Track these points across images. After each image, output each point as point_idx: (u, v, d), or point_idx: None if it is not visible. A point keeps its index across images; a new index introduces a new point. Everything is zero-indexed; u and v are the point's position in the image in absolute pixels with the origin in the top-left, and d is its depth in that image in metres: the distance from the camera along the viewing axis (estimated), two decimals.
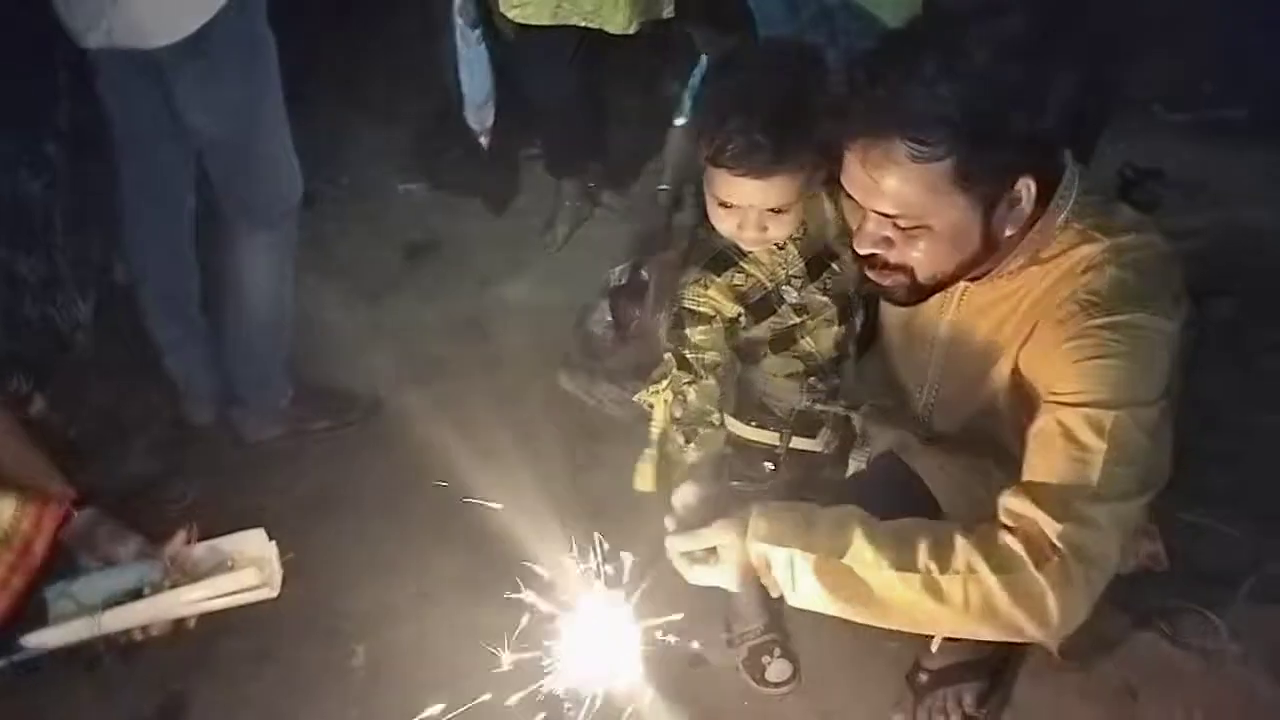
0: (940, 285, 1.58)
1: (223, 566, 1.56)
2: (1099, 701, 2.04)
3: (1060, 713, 2.02)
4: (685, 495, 1.51)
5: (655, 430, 1.81)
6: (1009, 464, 1.70)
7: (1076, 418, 1.42)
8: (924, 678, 2.04)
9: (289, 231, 2.62)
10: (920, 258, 1.51)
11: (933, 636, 1.96)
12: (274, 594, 1.59)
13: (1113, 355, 1.43)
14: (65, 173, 2.87)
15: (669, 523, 1.48)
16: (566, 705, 1.54)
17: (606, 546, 1.54)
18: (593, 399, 2.92)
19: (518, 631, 1.55)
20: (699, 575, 1.47)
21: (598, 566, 1.54)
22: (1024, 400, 1.58)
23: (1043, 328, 1.52)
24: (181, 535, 1.58)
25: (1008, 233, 1.50)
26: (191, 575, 1.53)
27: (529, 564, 1.59)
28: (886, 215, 1.47)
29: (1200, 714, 1.98)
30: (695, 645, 1.72)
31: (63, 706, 2.11)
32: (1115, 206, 1.59)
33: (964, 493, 1.74)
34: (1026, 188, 1.46)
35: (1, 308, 2.87)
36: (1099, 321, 1.45)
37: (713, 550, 1.45)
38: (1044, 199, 1.50)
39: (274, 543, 1.61)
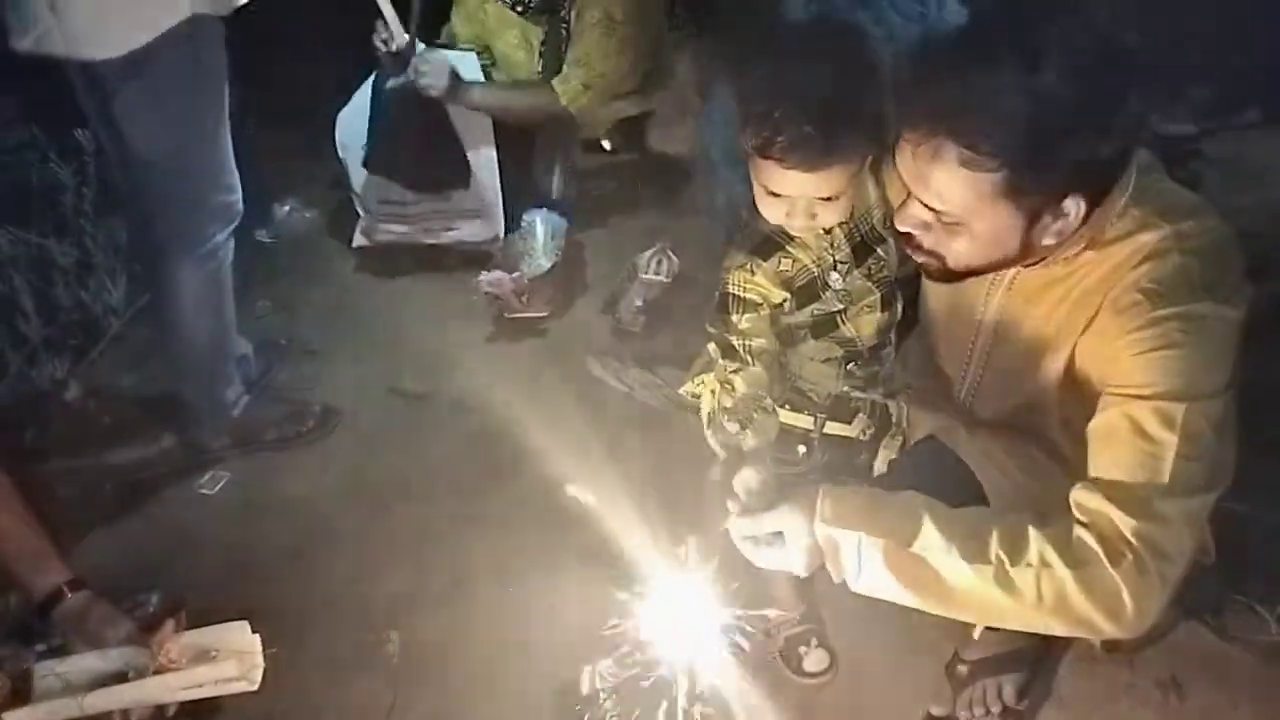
0: (975, 273, 1.55)
1: (206, 656, 1.61)
2: (1143, 694, 2.00)
3: (1104, 706, 1.98)
4: (747, 479, 1.48)
5: (705, 419, 1.78)
6: (1053, 451, 1.67)
7: (1145, 411, 1.38)
8: (963, 669, 2.00)
9: (224, 254, 2.54)
10: (955, 250, 1.49)
11: (972, 627, 1.94)
12: (253, 687, 1.65)
13: (1179, 346, 1.39)
14: (94, 159, 2.88)
15: (732, 506, 1.46)
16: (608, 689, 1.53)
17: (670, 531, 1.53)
18: (624, 385, 2.90)
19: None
20: (765, 558, 1.45)
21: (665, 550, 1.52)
22: (1075, 391, 1.54)
23: (1104, 317, 1.48)
24: (170, 624, 1.63)
25: (1047, 242, 1.46)
26: (176, 663, 1.58)
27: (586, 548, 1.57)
28: (929, 206, 1.45)
29: (1248, 707, 1.94)
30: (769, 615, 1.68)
31: None
32: (1173, 188, 1.53)
33: (1008, 477, 1.71)
34: (1076, 206, 1.41)
35: (36, 293, 2.89)
36: (1164, 311, 1.41)
37: (778, 534, 1.43)
38: (1097, 202, 1.44)
39: (257, 635, 1.68)
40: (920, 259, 1.56)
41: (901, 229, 1.53)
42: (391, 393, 2.94)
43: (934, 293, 1.80)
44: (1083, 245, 1.50)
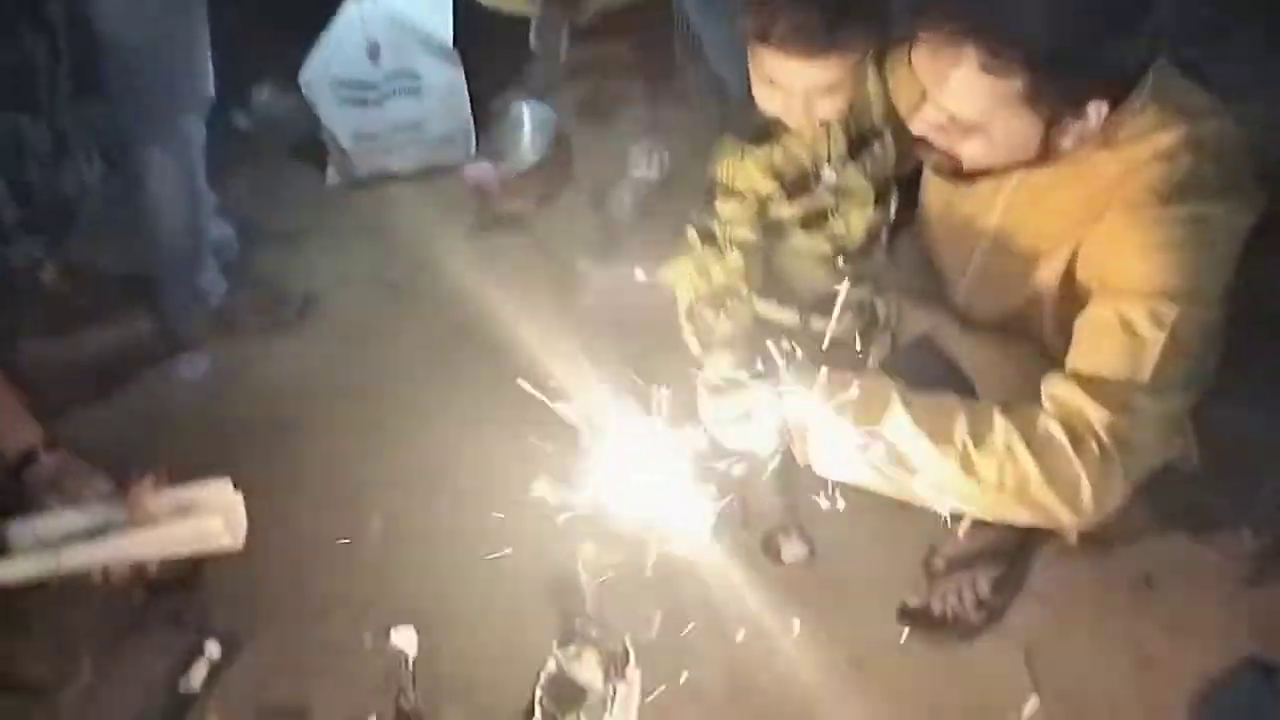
0: (989, 173, 1.51)
1: (187, 514, 1.55)
2: (1114, 590, 2.03)
3: (1075, 600, 2.02)
4: (719, 363, 1.47)
5: (682, 307, 1.76)
6: (1046, 354, 1.66)
7: (1138, 308, 1.37)
8: (939, 563, 2.03)
9: (196, 141, 2.49)
10: (971, 153, 1.45)
11: (952, 523, 1.96)
12: (237, 546, 1.59)
13: (1182, 247, 1.37)
14: (67, 35, 2.78)
15: (702, 388, 1.45)
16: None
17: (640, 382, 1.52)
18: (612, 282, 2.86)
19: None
20: (734, 438, 1.44)
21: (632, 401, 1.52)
22: (1074, 292, 1.52)
23: (1112, 215, 1.45)
24: (148, 480, 1.56)
25: (1066, 145, 1.42)
26: (154, 520, 1.52)
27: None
28: (945, 110, 1.41)
29: (1218, 607, 1.97)
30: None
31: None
32: (1189, 86, 1.48)
33: (1001, 379, 1.70)
34: (1097, 111, 1.37)
35: (8, 173, 2.82)
36: (1173, 211, 1.38)
37: (748, 414, 1.42)
38: (1118, 104, 1.40)
39: (240, 493, 1.61)
40: (933, 159, 1.52)
41: (915, 133, 1.49)
42: (373, 282, 2.91)
43: (935, 192, 1.76)
44: (1098, 144, 1.46)
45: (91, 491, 1.57)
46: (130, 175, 2.50)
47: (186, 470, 2.28)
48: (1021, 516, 1.40)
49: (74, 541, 1.49)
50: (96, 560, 1.51)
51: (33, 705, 1.89)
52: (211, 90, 2.44)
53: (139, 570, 1.55)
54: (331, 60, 3.09)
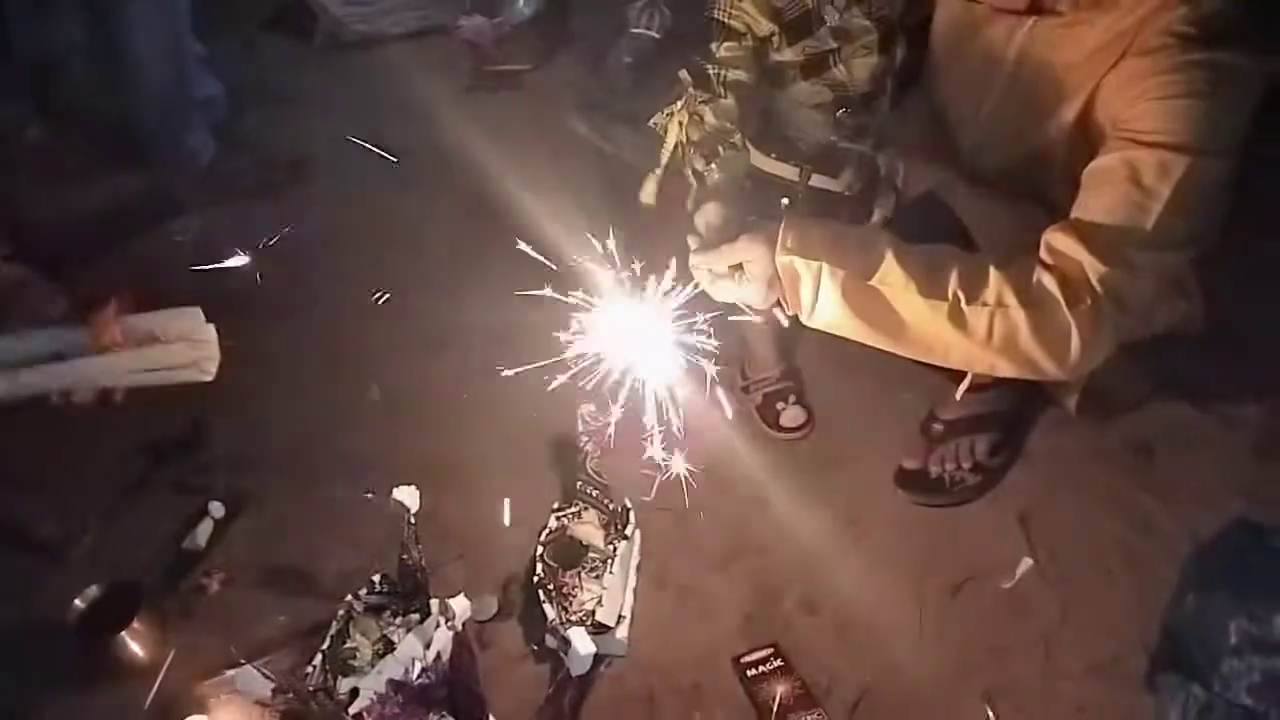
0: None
1: (155, 341, 1.48)
2: (1113, 457, 2.05)
3: (1073, 467, 2.03)
4: (709, 214, 1.43)
5: (665, 152, 1.71)
6: (1053, 209, 1.62)
7: (1146, 159, 1.32)
8: (938, 427, 2.04)
9: None
10: None
11: (950, 387, 1.96)
12: (208, 378, 1.52)
13: (1198, 96, 1.32)
14: None
15: (692, 241, 1.42)
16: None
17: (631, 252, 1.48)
18: (608, 144, 2.79)
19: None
20: (723, 291, 1.41)
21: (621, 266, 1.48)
22: (1085, 140, 1.48)
23: (1130, 60, 1.39)
24: (112, 304, 1.49)
25: None
26: (118, 345, 1.46)
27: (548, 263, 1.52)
28: None
29: (1215, 475, 1.99)
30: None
31: (84, 431, 2.12)
32: None
33: (1004, 235, 1.66)
34: None
35: None
36: (1194, 57, 1.33)
37: (738, 268, 1.39)
38: None
39: (212, 325, 1.53)
40: None
41: None
42: (367, 142, 2.83)
43: (947, 37, 1.69)
44: None
45: (53, 310, 1.50)
46: (115, 25, 2.42)
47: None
48: (1004, 369, 1.39)
49: (34, 362, 1.43)
50: (58, 383, 1.45)
51: (42, 562, 1.91)
52: None
53: (104, 396, 1.49)
54: None
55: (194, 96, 2.58)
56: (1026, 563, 1.87)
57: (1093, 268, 1.31)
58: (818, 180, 1.87)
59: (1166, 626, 1.71)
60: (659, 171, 1.71)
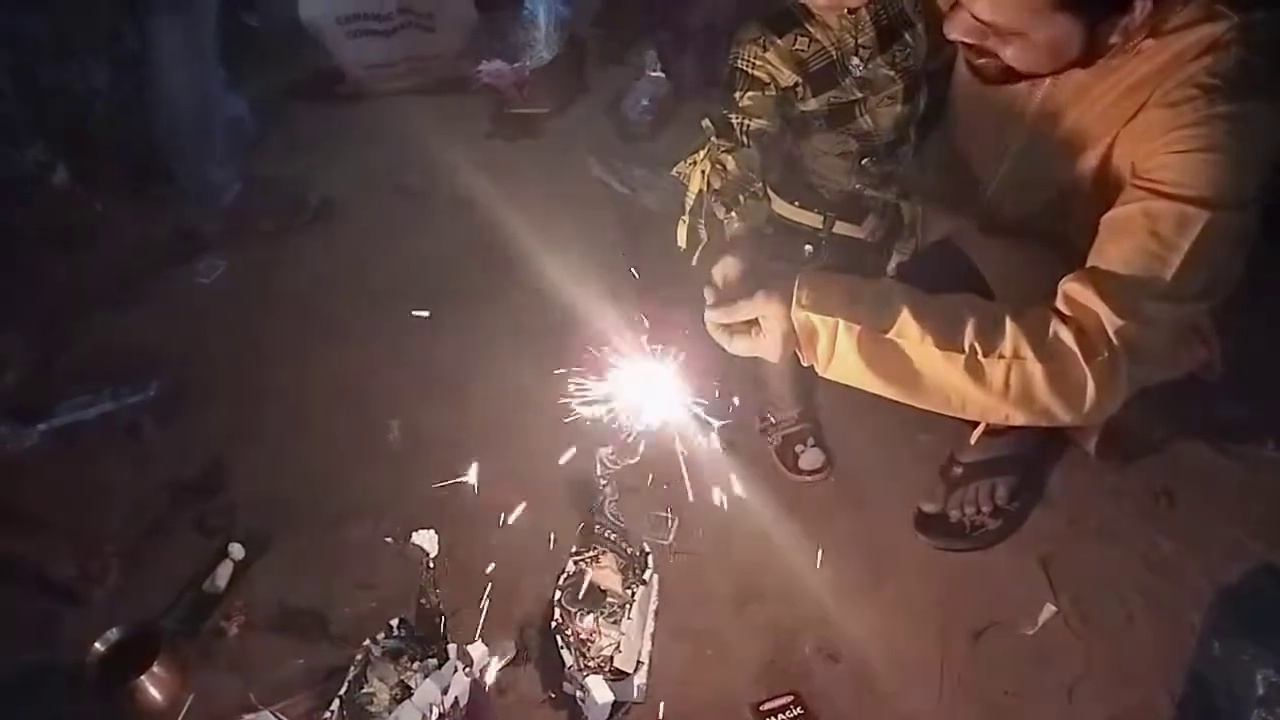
0: (1037, 76, 1.46)
1: None
2: (1133, 502, 2.03)
3: (1092, 511, 2.02)
4: (726, 268, 1.43)
5: (690, 199, 1.72)
6: (1071, 257, 1.63)
7: (1166, 211, 1.32)
8: (957, 470, 2.03)
9: (207, 11, 2.44)
10: (1013, 56, 1.39)
11: (968, 430, 1.96)
12: None
13: (1220, 150, 1.31)
14: None
15: (708, 295, 1.42)
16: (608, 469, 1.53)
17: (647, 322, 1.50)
18: (625, 187, 2.82)
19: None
20: (739, 346, 1.42)
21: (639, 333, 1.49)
22: (1104, 189, 1.47)
23: (1151, 111, 1.39)
24: None
25: (1113, 41, 1.37)
26: None
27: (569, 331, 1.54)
28: (979, 18, 1.35)
29: (1235, 518, 1.97)
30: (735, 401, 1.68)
31: (105, 473, 2.15)
32: None
33: (1021, 285, 1.66)
34: (1144, 6, 1.31)
35: (10, 71, 2.77)
36: (1218, 110, 1.32)
37: (754, 322, 1.40)
38: None
39: None
40: (978, 60, 1.46)
41: (952, 38, 1.43)
42: (388, 187, 2.87)
43: (969, 86, 1.69)
44: (1143, 35, 1.39)
45: None
46: (142, 47, 2.47)
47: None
48: (1019, 419, 1.39)
49: None
50: None
51: (62, 604, 1.92)
52: None
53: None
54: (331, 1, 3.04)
55: (219, 125, 2.61)
56: (1049, 609, 1.86)
57: (1109, 320, 1.31)
58: (841, 228, 1.88)
59: (1192, 675, 1.69)
60: (686, 218, 1.72)
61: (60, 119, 2.86)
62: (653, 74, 3.09)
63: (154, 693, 1.75)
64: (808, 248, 1.90)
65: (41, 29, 2.79)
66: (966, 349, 1.33)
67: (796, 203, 1.88)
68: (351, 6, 3.04)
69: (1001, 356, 1.32)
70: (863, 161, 1.83)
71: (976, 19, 1.36)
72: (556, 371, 1.53)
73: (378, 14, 3.06)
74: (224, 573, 1.95)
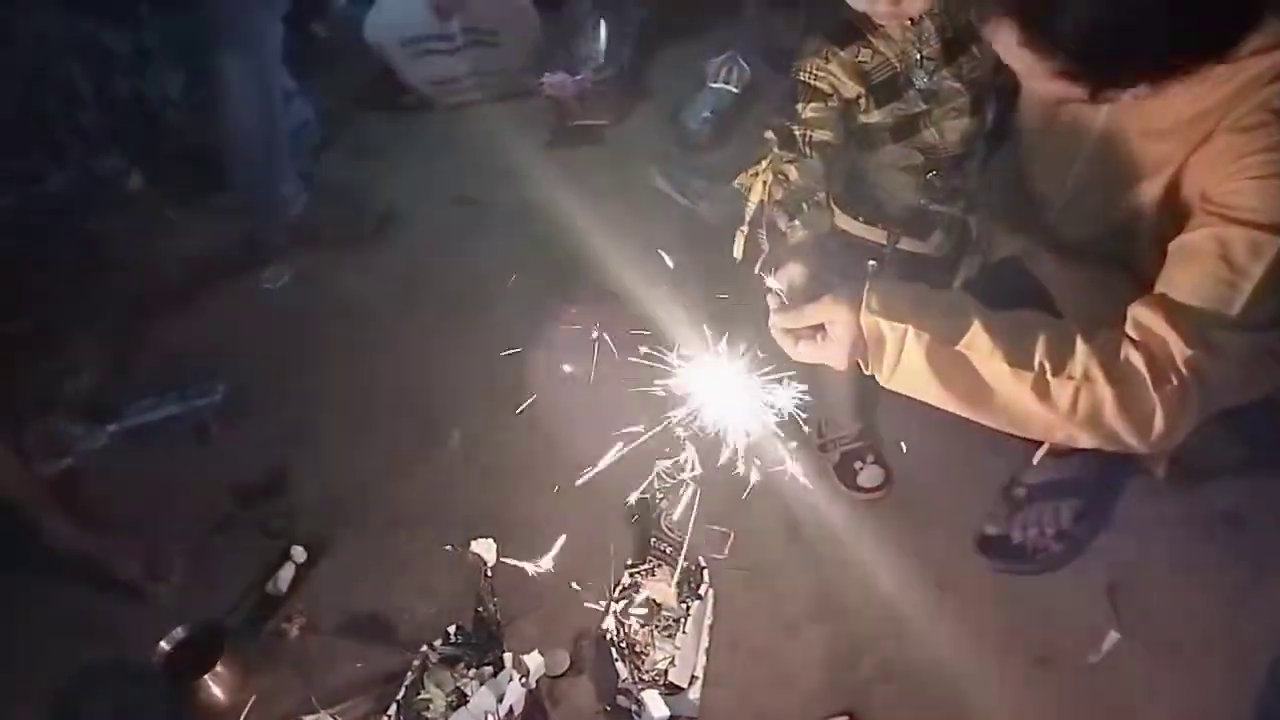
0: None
1: None
2: (1202, 527, 1.97)
3: (1161, 535, 1.97)
4: (791, 274, 1.42)
5: (750, 209, 1.71)
6: (1139, 279, 1.60)
7: (1238, 237, 1.29)
8: (1020, 492, 1.99)
9: (271, 44, 2.50)
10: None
11: (1033, 450, 1.93)
12: None
13: None
14: None
15: (772, 301, 1.41)
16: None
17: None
18: (686, 198, 2.82)
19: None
20: (804, 353, 1.41)
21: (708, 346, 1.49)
22: (1173, 214, 1.44)
23: (1221, 135, 1.36)
24: None
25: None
26: None
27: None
28: None
29: None
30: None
31: (172, 474, 2.20)
32: None
33: (1089, 305, 1.63)
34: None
35: (93, 81, 2.85)
36: None
37: (819, 328, 1.39)
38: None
39: None
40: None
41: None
42: (452, 198, 2.90)
43: (1034, 107, 1.68)
44: (1211, 63, 1.37)
45: None
46: (208, 79, 2.52)
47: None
48: (1084, 441, 1.36)
49: None
50: None
51: (128, 602, 1.97)
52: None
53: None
54: (395, 23, 3.08)
55: (285, 145, 2.66)
56: (1114, 636, 1.82)
57: (1178, 349, 1.28)
58: (907, 243, 1.86)
59: (1262, 710, 1.65)
60: (745, 228, 1.72)
61: (136, 127, 2.94)
62: (714, 85, 3.08)
63: (217, 692, 1.78)
64: (871, 263, 1.88)
65: (122, 41, 2.88)
66: (1036, 367, 1.31)
67: (861, 218, 1.86)
68: (416, 29, 3.09)
69: (1071, 377, 1.30)
70: (928, 176, 1.81)
71: None
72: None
73: (442, 34, 3.10)
74: (286, 575, 1.98)
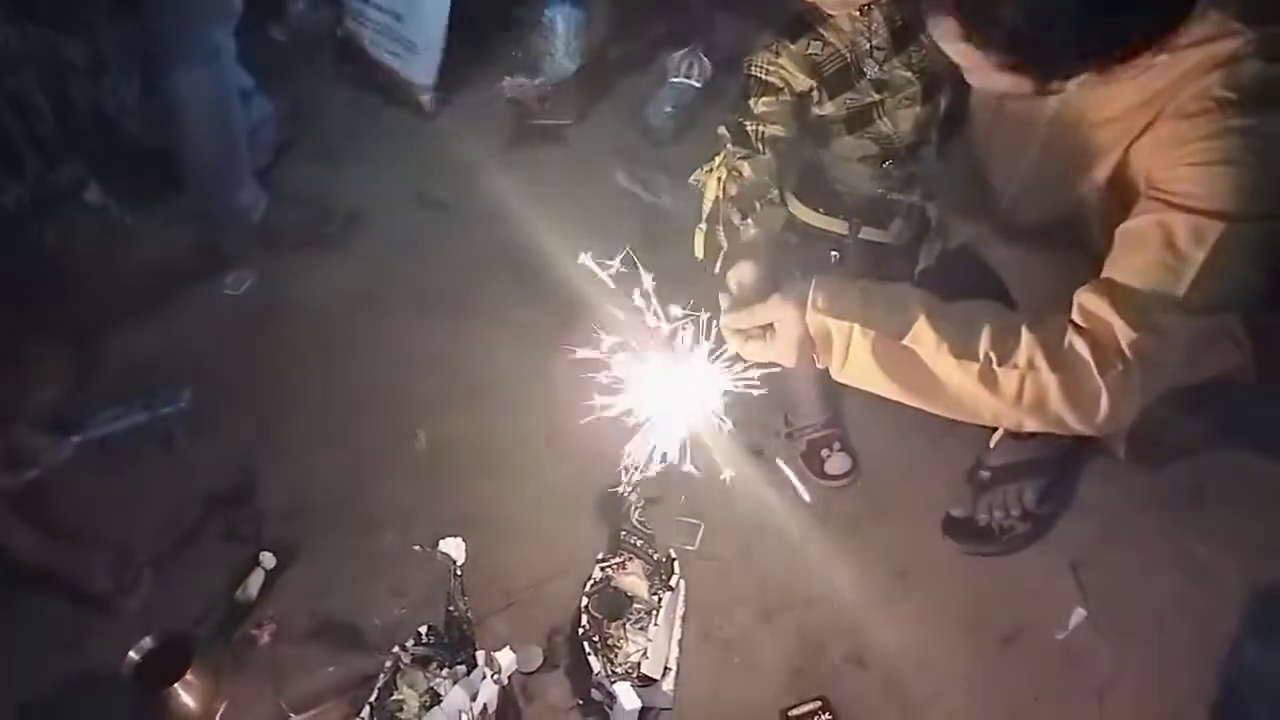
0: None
1: None
2: (1164, 503, 2.01)
3: (1125, 513, 2.00)
4: (741, 273, 1.44)
5: (706, 207, 1.72)
6: (1094, 263, 1.62)
7: (1181, 223, 1.31)
8: (984, 475, 2.02)
9: (225, 56, 2.47)
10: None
11: (992, 434, 1.95)
12: None
13: (1237, 164, 1.30)
14: None
15: (723, 300, 1.43)
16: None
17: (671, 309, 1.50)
18: (649, 194, 2.82)
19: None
20: (753, 351, 1.42)
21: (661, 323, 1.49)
22: (1121, 198, 1.47)
23: (1166, 122, 1.38)
24: None
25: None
26: None
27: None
28: None
29: (1273, 522, 1.94)
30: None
31: (138, 483, 2.18)
32: None
33: (1041, 290, 1.65)
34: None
35: (49, 91, 2.81)
36: (1233, 123, 1.30)
37: (769, 327, 1.40)
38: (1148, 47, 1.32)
39: None
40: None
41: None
42: (414, 199, 2.89)
43: (986, 94, 1.70)
44: (1153, 54, 1.38)
45: None
46: (164, 91, 2.50)
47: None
48: (1032, 426, 1.39)
49: None
50: None
51: (96, 613, 1.95)
52: (239, 1, 2.42)
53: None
54: None
55: (244, 154, 2.64)
56: (1080, 613, 1.84)
57: (1124, 333, 1.30)
58: (867, 233, 1.87)
59: (1225, 680, 1.67)
60: (704, 225, 1.73)
61: (92, 135, 2.91)
62: (676, 80, 3.09)
63: (188, 700, 1.77)
64: (833, 254, 1.90)
65: (79, 51, 2.84)
66: (981, 357, 1.33)
67: (820, 209, 1.87)
68: None
69: (1015, 366, 1.32)
70: (884, 165, 1.83)
71: None
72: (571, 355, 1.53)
73: None
74: (255, 581, 1.97)
